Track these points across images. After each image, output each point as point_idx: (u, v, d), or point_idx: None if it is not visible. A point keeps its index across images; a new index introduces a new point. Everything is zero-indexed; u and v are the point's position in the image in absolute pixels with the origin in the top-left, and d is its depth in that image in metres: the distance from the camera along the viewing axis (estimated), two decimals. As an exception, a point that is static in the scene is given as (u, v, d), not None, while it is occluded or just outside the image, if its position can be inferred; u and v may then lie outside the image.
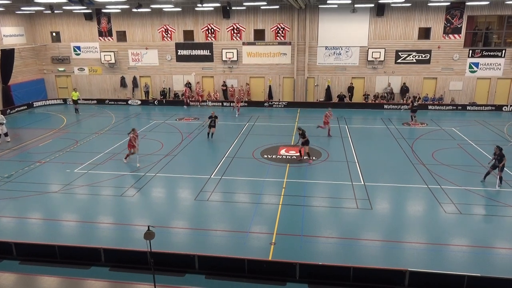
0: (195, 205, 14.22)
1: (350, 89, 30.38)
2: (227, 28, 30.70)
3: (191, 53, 31.66)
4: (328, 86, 30.68)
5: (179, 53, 31.84)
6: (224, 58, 31.06)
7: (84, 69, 33.47)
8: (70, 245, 11.17)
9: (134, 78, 32.92)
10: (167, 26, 31.31)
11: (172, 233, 12.42)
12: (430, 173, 16.72)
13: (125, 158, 18.34)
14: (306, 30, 29.68)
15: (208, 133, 22.05)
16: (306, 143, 18.28)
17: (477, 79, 29.19)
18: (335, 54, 30.18)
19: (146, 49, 32.08)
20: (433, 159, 18.49)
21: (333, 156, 19.06)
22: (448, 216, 13.24)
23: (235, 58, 30.89)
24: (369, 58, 29.53)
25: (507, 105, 28.58)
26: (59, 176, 16.95)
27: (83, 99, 32.30)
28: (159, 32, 31.59)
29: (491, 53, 28.64)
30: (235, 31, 30.69)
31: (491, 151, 19.13)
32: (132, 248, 10.86)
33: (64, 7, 28.00)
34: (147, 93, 32.69)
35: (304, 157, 18.40)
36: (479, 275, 9.45)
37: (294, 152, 19.67)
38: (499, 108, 28.53)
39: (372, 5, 27.57)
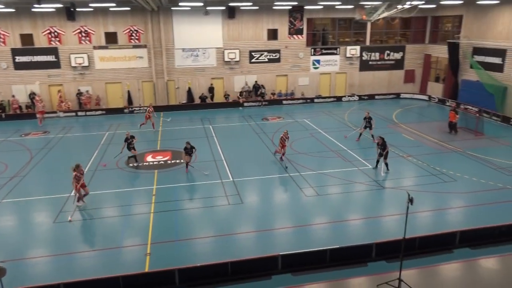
0: (55, 229, 12.78)
1: (211, 89, 31.05)
2: (73, 31, 28.19)
3: (32, 60, 28.14)
4: (189, 88, 30.80)
5: (17, 60, 27.99)
6: (73, 64, 28.48)
7: None
8: None
9: (-40, 91, 27.79)
10: (-3, 29, 27.24)
11: (30, 265, 10.93)
12: (290, 162, 18.22)
13: (78, 201, 14.11)
14: (161, 33, 29.18)
15: (134, 157, 18.63)
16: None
17: (320, 75, 32.85)
18: (192, 56, 30.41)
19: (-27, 56, 27.38)
20: (291, 149, 20.17)
21: (201, 157, 19.21)
22: (308, 199, 14.65)
23: (86, 64, 28.59)
24: (226, 59, 30.61)
25: (345, 96, 32.89)
26: None
27: None
28: (-13, 37, 27.27)
29: (329, 51, 32.56)
30: (83, 34, 28.39)
31: (337, 137, 21.85)
32: (-22, 291, 9.20)
33: None
34: (-21, 108, 27.93)
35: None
36: (337, 246, 10.72)
37: (162, 157, 19.25)
38: (339, 98, 32.65)
39: (224, 7, 28.60)
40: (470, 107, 26.75)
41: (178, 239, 11.96)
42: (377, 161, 17.26)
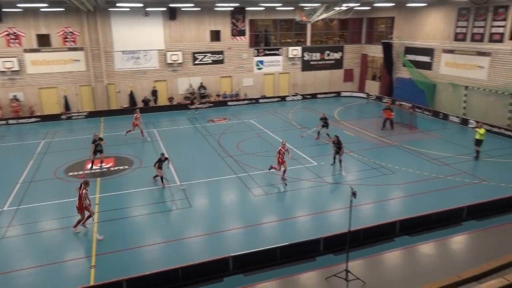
0: (-13, 247, 11.83)
1: (154, 92, 30.31)
2: (0, 34, 26.23)
3: (-47, 65, 25.85)
4: (131, 91, 29.85)
5: None
6: (1, 69, 26.47)
7: None
8: None
9: None
10: None
11: (-41, 288, 10.03)
12: (237, 163, 18.29)
13: (75, 226, 12.47)
14: (98, 35, 28.00)
15: (93, 162, 17.89)
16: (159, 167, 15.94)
17: (264, 75, 33.28)
18: (133, 59, 29.51)
19: None
20: (238, 150, 20.26)
21: (146, 162, 18.69)
22: (257, 199, 14.80)
23: (16, 68, 26.69)
24: (168, 61, 30.04)
25: (288, 95, 33.59)
26: None
27: None
28: None
29: (272, 52, 33.09)
30: (11, 36, 26.49)
31: (283, 136, 22.23)
32: None
33: None
34: None
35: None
36: (287, 243, 10.92)
37: (104, 164, 18.49)
38: (283, 98, 33.29)
39: (164, 8, 28.05)
40: (404, 103, 28.43)
41: (126, 248, 11.55)
42: (334, 158, 17.80)
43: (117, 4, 24.77)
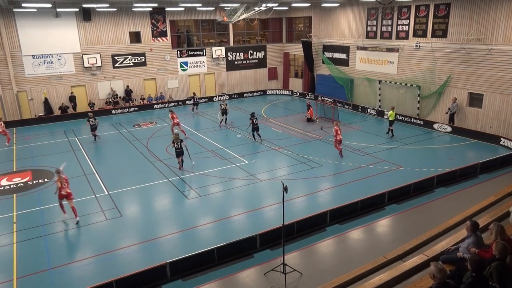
0: None
1: (72, 98, 28.46)
2: None
3: None
4: (46, 98, 27.72)
5: None
6: None
7: None
8: None
9: None
10: None
11: None
12: (168, 167, 17.88)
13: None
14: (3, 38, 25.57)
15: None
16: None
17: (189, 76, 32.87)
18: (46, 63, 27.42)
19: None
20: (167, 153, 19.80)
21: (68, 173, 17.44)
22: (191, 202, 14.62)
23: None
24: (86, 65, 28.39)
25: (216, 96, 33.55)
26: None
27: None
28: None
29: (195, 53, 32.78)
30: None
31: (213, 137, 22.23)
32: None
33: None
34: None
35: None
36: (224, 243, 10.93)
37: (20, 178, 16.99)
38: (211, 99, 33.18)
39: (77, 9, 26.39)
40: (327, 99, 29.89)
41: (51, 267, 10.74)
42: (258, 135, 21.28)
43: (23, 5, 22.79)
